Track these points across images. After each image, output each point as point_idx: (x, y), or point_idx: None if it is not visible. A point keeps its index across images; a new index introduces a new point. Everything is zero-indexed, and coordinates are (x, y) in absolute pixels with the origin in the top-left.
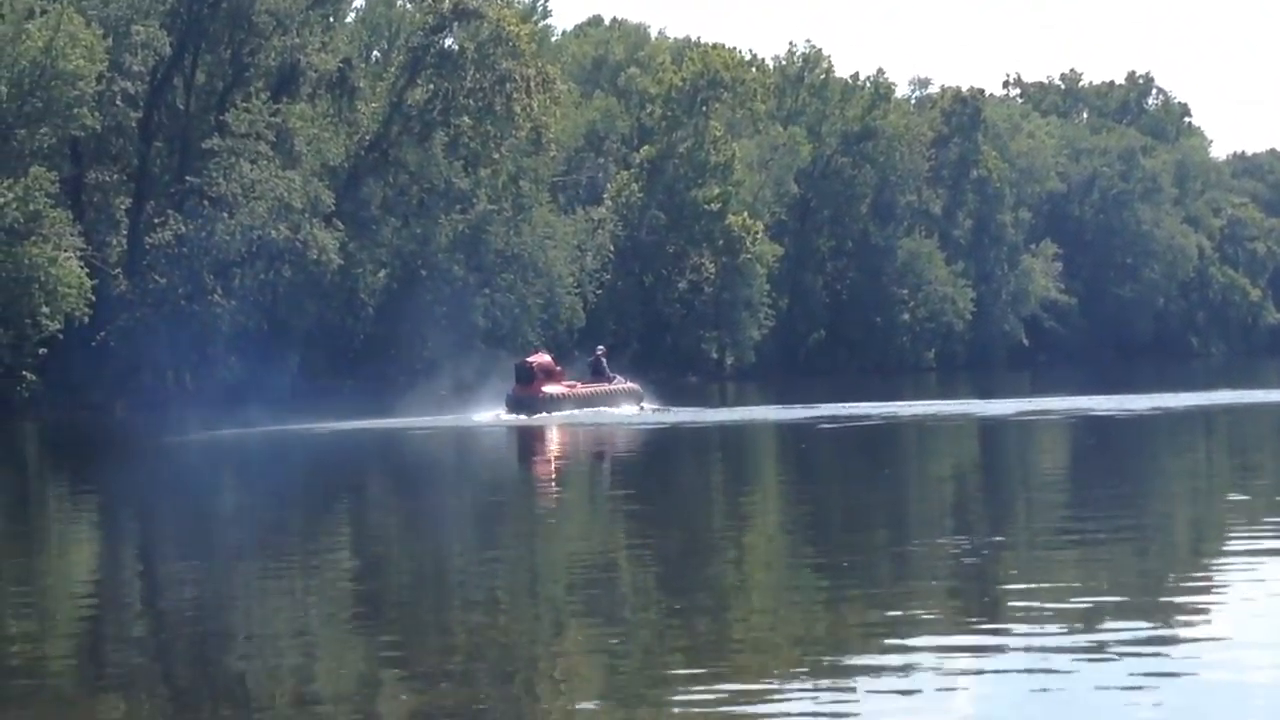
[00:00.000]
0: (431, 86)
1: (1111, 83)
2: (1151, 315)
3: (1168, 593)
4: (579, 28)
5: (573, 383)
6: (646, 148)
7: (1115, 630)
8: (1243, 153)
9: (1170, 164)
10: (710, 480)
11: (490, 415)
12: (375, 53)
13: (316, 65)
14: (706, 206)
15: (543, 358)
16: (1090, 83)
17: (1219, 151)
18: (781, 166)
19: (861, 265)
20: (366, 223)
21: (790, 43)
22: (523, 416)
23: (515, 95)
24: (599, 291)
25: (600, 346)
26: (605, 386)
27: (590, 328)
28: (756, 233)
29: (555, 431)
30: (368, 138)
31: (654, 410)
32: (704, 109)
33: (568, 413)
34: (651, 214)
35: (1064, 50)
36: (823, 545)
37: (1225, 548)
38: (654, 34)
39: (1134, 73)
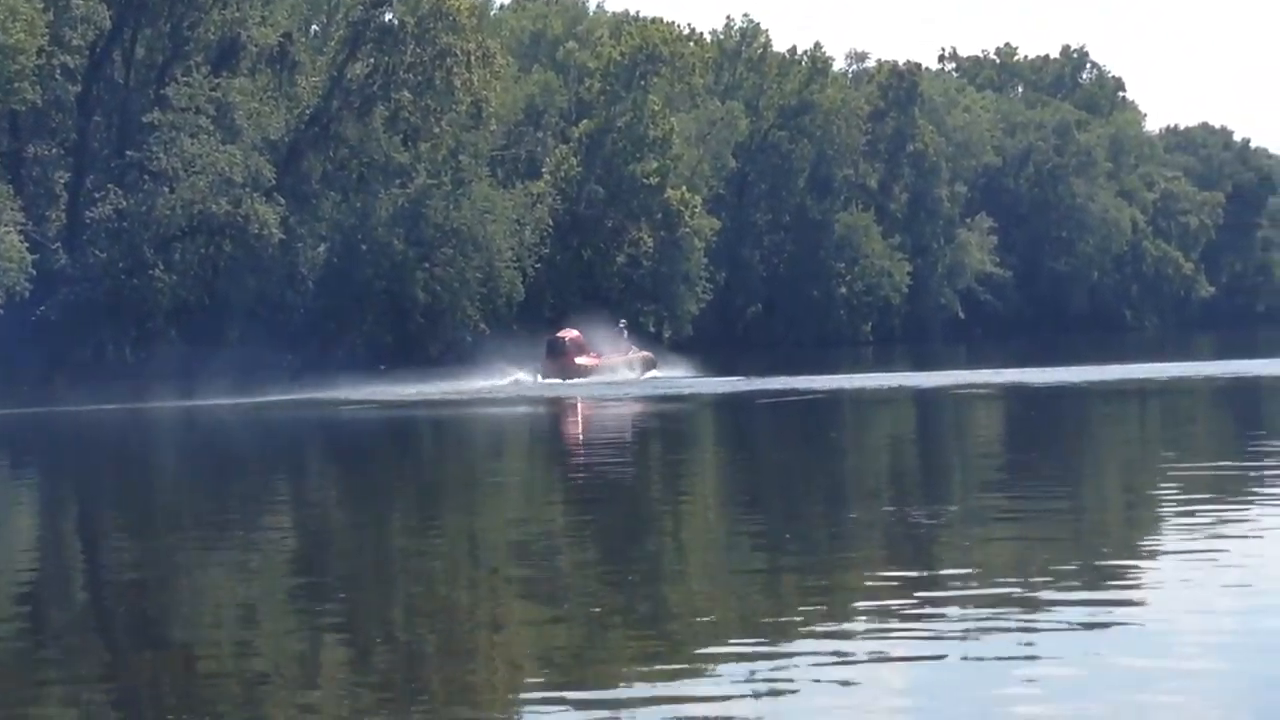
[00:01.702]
0: (372, 61)
1: (1046, 57)
2: (1086, 289)
3: (1101, 563)
4: (517, 2)
5: (598, 354)
6: (585, 122)
7: (1050, 601)
8: (1176, 126)
9: (1104, 138)
10: (656, 455)
11: (522, 380)
12: (315, 27)
13: (257, 39)
14: (645, 180)
15: (572, 333)
16: (1025, 57)
17: (1152, 125)
18: (719, 140)
19: (798, 239)
20: (307, 197)
21: (728, 17)
22: (558, 382)
23: (455, 70)
24: (538, 265)
25: (622, 320)
26: (624, 356)
27: (529, 301)
28: (695, 206)
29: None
30: (308, 112)
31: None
32: (642, 83)
33: (595, 379)
34: (590, 188)
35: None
36: (762, 517)
37: (1158, 520)
38: (592, 8)
39: (1068, 47)
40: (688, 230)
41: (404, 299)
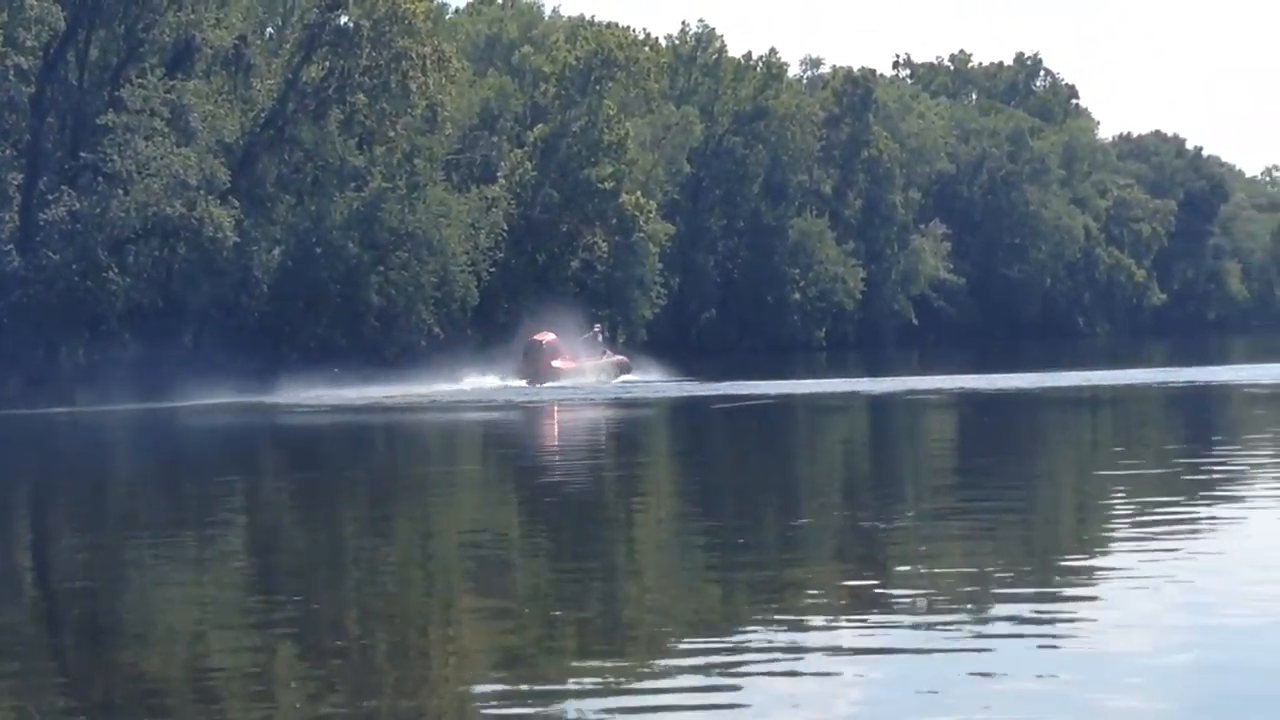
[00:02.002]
0: (327, 64)
1: (1000, 64)
2: (1039, 295)
3: (1052, 567)
4: (473, 5)
5: (573, 357)
6: (540, 126)
7: (1001, 604)
8: (1129, 134)
9: (1058, 145)
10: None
11: (490, 384)
12: (270, 29)
13: (211, 41)
14: (600, 185)
15: (549, 335)
16: (979, 64)
17: (1105, 133)
18: (674, 146)
19: (753, 244)
20: (261, 200)
21: (683, 22)
22: (534, 385)
23: (411, 73)
24: (493, 270)
25: (596, 325)
26: (599, 360)
27: (484, 306)
28: (649, 211)
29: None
30: (263, 115)
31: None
32: (598, 88)
33: (569, 382)
34: (545, 192)
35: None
36: (715, 520)
37: (1108, 524)
38: (548, 13)
39: (1022, 54)
40: (642, 235)
41: (358, 302)
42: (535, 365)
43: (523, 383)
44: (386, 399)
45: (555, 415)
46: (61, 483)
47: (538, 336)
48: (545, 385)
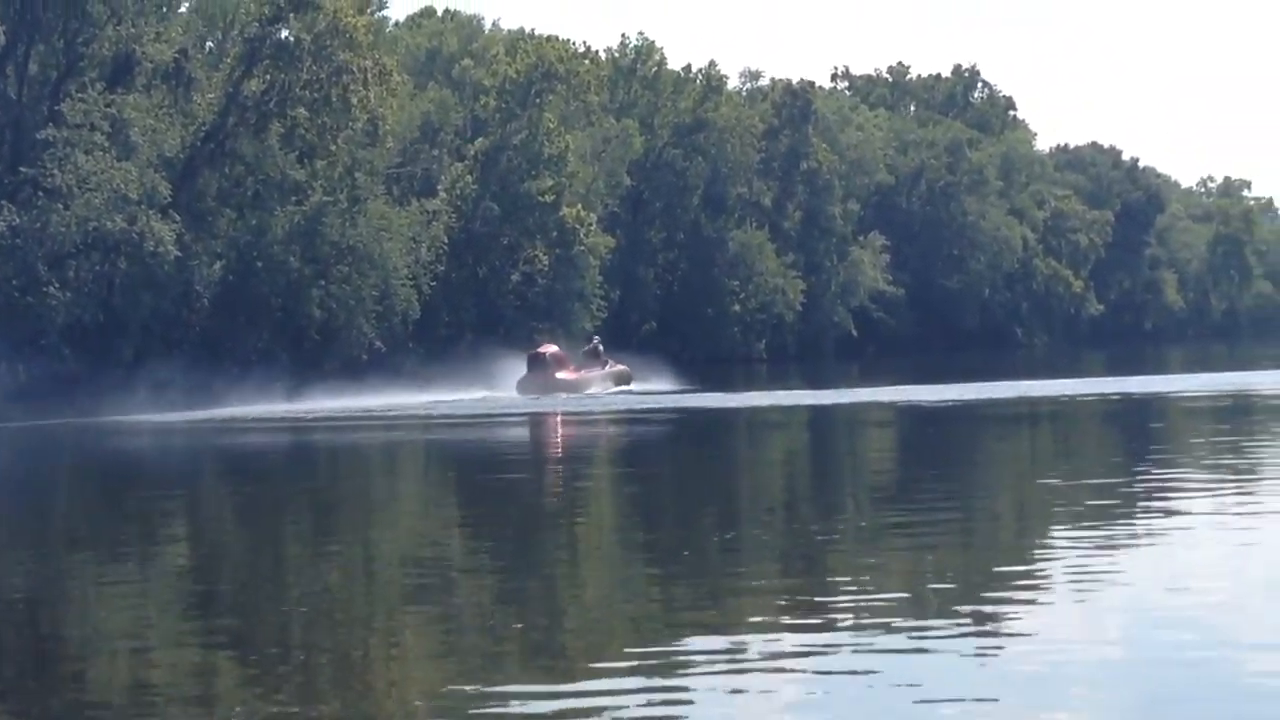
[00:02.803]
0: (268, 78)
1: (938, 76)
2: (977, 306)
3: (991, 579)
4: (412, 19)
5: (576, 368)
6: (481, 140)
7: (940, 617)
8: (1066, 145)
9: (996, 156)
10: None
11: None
12: (210, 43)
13: (152, 55)
14: (540, 198)
15: (552, 348)
16: (917, 76)
17: (1043, 144)
18: (614, 158)
19: (693, 257)
20: (202, 214)
21: (623, 35)
22: (538, 397)
23: (352, 87)
24: (434, 283)
25: (595, 336)
26: (600, 370)
27: (425, 319)
28: (590, 224)
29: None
30: (204, 129)
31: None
32: (538, 101)
33: (572, 394)
34: (485, 206)
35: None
36: (656, 533)
37: (1047, 536)
38: (488, 26)
39: (960, 66)
40: (582, 248)
41: (299, 316)
42: (540, 377)
43: (526, 394)
44: (371, 411)
45: (559, 427)
46: (12, 498)
47: (541, 349)
48: (550, 396)
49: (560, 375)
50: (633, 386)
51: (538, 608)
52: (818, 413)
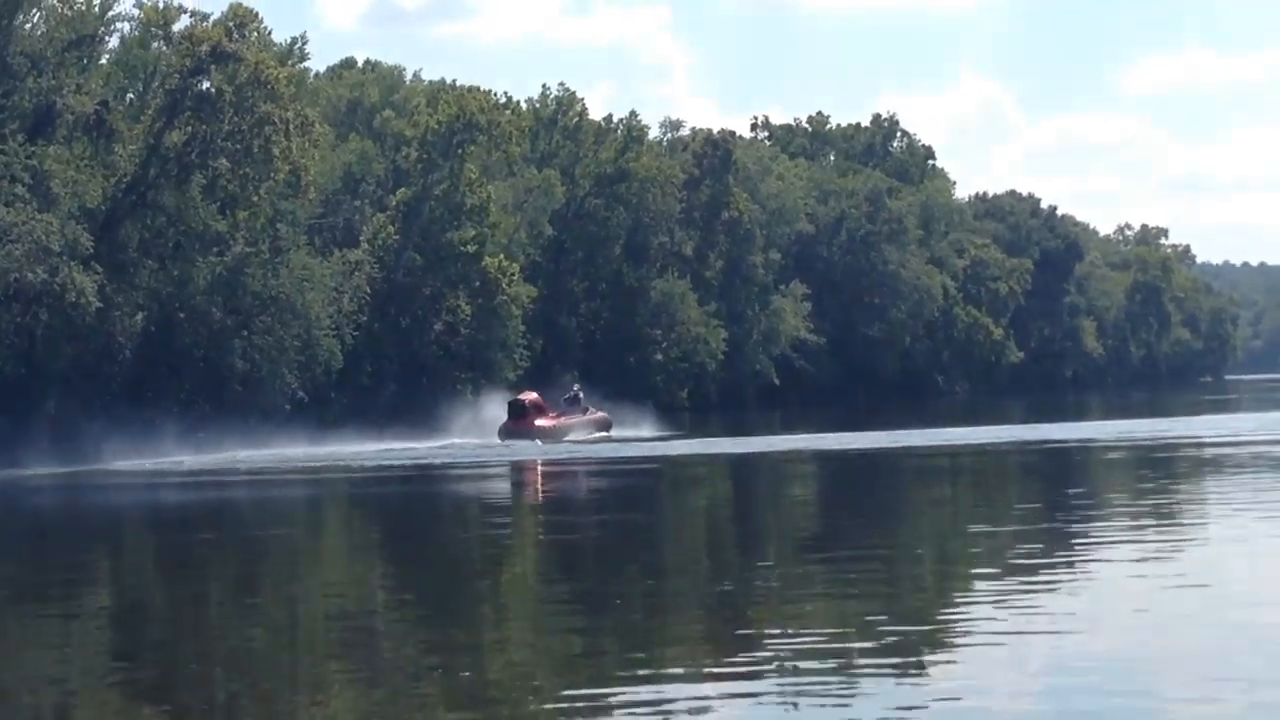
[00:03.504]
0: (189, 129)
1: (858, 125)
2: (898, 354)
3: (914, 630)
4: (333, 70)
5: (556, 415)
6: (402, 190)
7: (865, 663)
8: (985, 194)
9: (915, 205)
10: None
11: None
12: (131, 95)
13: (73, 107)
14: (462, 248)
15: (532, 395)
16: (837, 125)
17: (961, 193)
18: (536, 208)
19: (615, 306)
20: (124, 265)
21: (544, 86)
22: (519, 443)
23: (274, 138)
24: (356, 333)
25: (576, 385)
26: (580, 417)
27: (348, 369)
28: (512, 274)
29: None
30: (125, 180)
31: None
32: (459, 151)
33: (552, 441)
34: (408, 256)
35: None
36: (580, 582)
37: (968, 582)
38: (409, 77)
39: (879, 116)
40: (505, 298)
41: (222, 367)
42: (520, 424)
43: (506, 441)
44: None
45: (537, 475)
46: None
47: (521, 396)
48: (529, 443)
49: (540, 423)
50: (612, 433)
51: (462, 657)
52: (738, 461)
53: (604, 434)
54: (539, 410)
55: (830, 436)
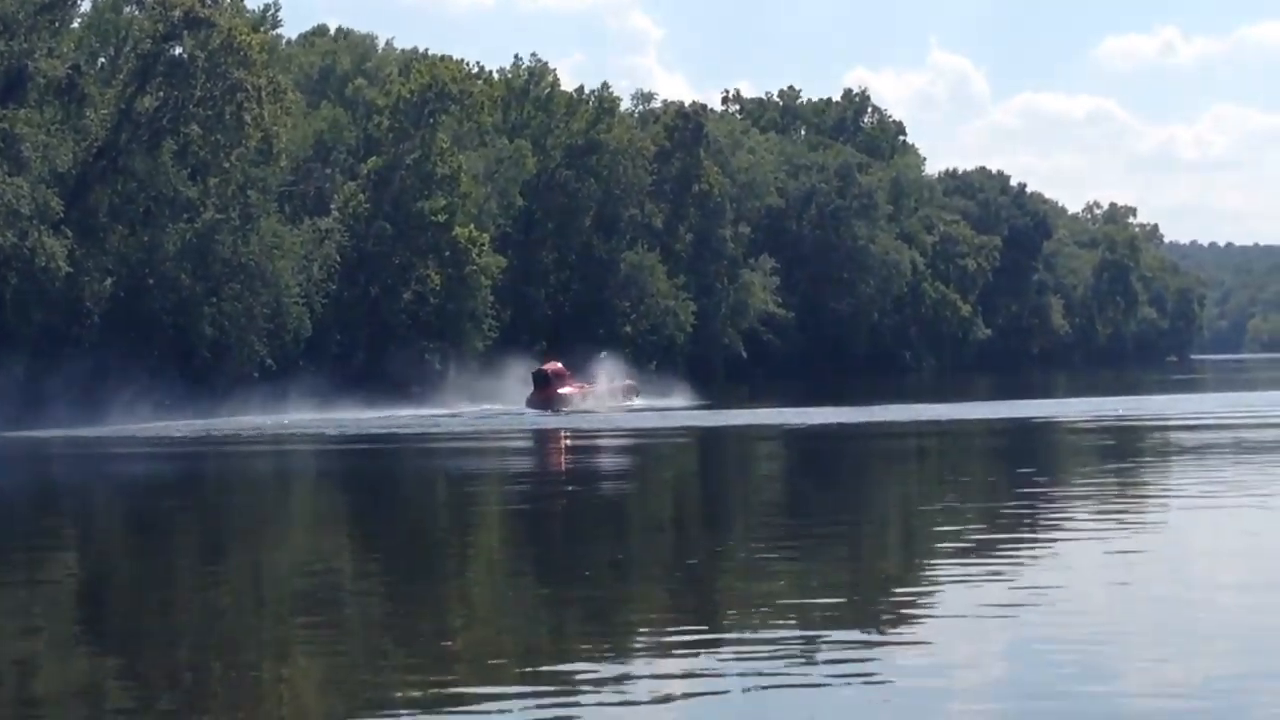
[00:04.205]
0: (161, 94)
1: (829, 100)
2: (866, 329)
3: (878, 605)
4: (305, 37)
5: (581, 383)
6: (374, 159)
7: (827, 638)
8: (955, 170)
9: (885, 181)
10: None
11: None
12: (103, 59)
13: (44, 70)
14: (433, 218)
15: (555, 365)
16: (808, 100)
17: (932, 169)
18: (507, 179)
19: (584, 277)
20: (94, 230)
21: (516, 56)
22: (547, 413)
23: (246, 105)
24: (325, 301)
25: (603, 351)
26: (607, 385)
27: (316, 338)
28: (482, 245)
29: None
30: (96, 145)
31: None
32: (431, 121)
33: (578, 408)
34: (378, 225)
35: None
36: (546, 554)
37: (934, 559)
38: (381, 45)
39: (850, 91)
40: (475, 268)
41: (191, 334)
42: (544, 393)
43: (532, 410)
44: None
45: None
46: None
47: (545, 366)
48: (555, 412)
49: (562, 391)
50: (637, 402)
51: (428, 627)
52: (707, 434)
53: (629, 402)
54: (560, 379)
55: (795, 411)
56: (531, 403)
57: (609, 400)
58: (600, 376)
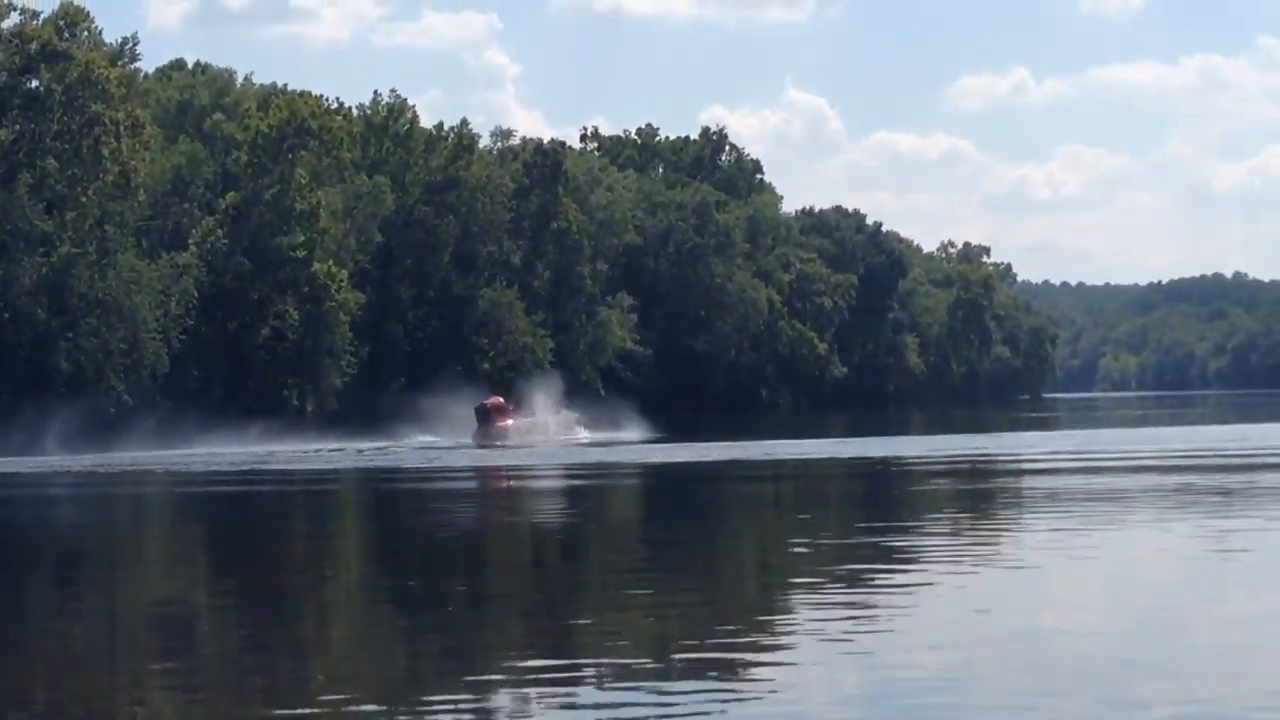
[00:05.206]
0: (18, 128)
1: (687, 138)
2: (724, 367)
3: (735, 641)
4: (162, 71)
5: (524, 415)
6: (232, 194)
7: (685, 671)
8: (811, 209)
9: (743, 219)
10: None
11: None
12: None
13: None
14: (291, 254)
15: (497, 399)
16: (666, 138)
17: (789, 207)
18: (366, 215)
19: (443, 314)
20: None
21: (375, 92)
22: (490, 446)
23: (104, 138)
24: (183, 337)
25: (556, 383)
26: (547, 417)
27: (174, 373)
28: (341, 280)
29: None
30: None
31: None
32: (290, 156)
33: (521, 439)
34: (236, 260)
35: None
36: (405, 590)
37: (788, 595)
38: (239, 80)
39: (708, 129)
40: (333, 304)
41: (47, 368)
42: (485, 428)
43: (478, 445)
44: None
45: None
46: None
47: (487, 401)
48: (497, 445)
49: (503, 424)
50: (582, 434)
51: (284, 664)
52: (567, 472)
53: (570, 434)
54: (501, 412)
55: (653, 449)
56: (476, 438)
57: (555, 432)
58: (538, 409)
